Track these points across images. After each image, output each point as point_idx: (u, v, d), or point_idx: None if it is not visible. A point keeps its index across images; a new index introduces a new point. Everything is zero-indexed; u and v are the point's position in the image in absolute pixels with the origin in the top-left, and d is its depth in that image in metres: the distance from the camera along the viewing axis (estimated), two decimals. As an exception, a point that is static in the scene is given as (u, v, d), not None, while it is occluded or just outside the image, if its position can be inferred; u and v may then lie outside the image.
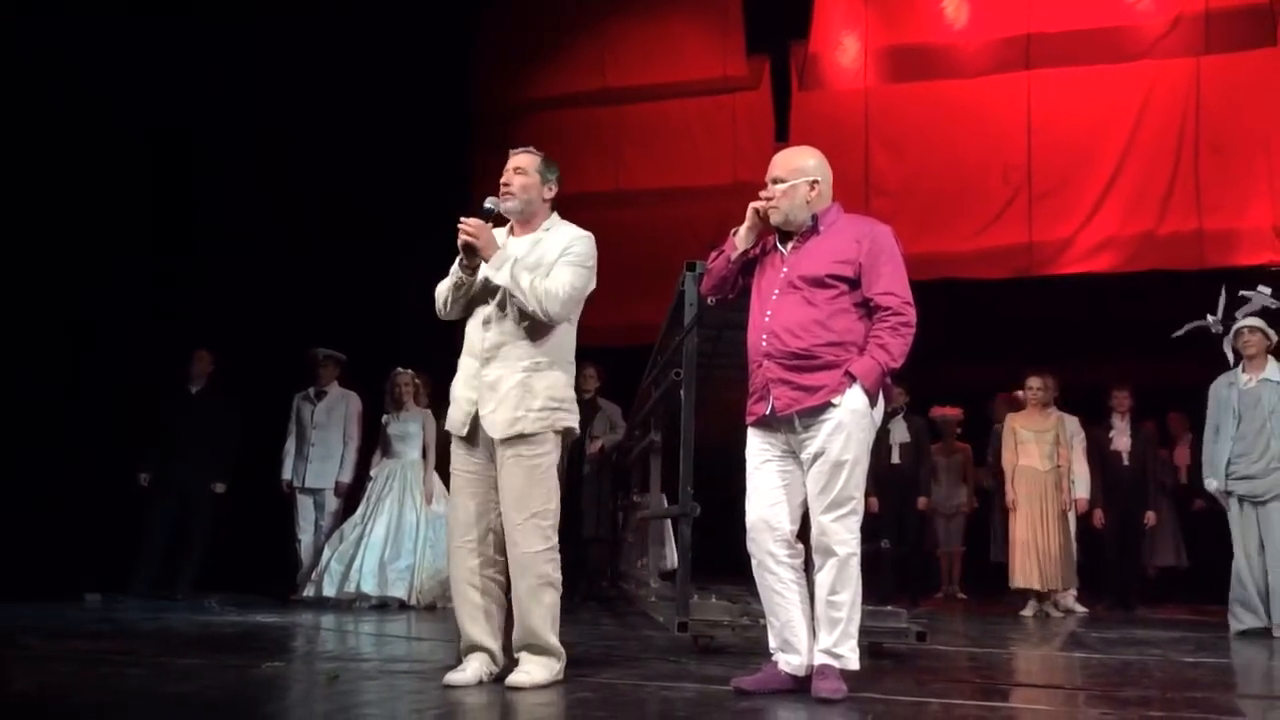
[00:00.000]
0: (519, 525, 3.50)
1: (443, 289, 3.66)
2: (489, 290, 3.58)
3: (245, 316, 7.83)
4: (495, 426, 3.51)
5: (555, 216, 3.74)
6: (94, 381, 7.15)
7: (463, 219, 3.54)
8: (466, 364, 3.63)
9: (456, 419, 3.62)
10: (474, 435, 3.58)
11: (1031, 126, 9.23)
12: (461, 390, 3.62)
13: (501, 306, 3.56)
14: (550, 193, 3.73)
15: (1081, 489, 7.80)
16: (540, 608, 3.48)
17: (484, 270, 3.55)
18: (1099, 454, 7.96)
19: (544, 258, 3.61)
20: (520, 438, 3.51)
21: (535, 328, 3.57)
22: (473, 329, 3.63)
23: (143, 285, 7.56)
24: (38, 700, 3.24)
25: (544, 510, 3.52)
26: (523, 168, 3.68)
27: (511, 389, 3.52)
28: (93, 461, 7.12)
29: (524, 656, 3.51)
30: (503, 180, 3.68)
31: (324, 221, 8.39)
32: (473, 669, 3.50)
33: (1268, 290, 6.41)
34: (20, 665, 3.95)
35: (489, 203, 3.63)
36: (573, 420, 3.64)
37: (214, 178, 8.13)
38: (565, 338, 3.65)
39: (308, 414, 7.67)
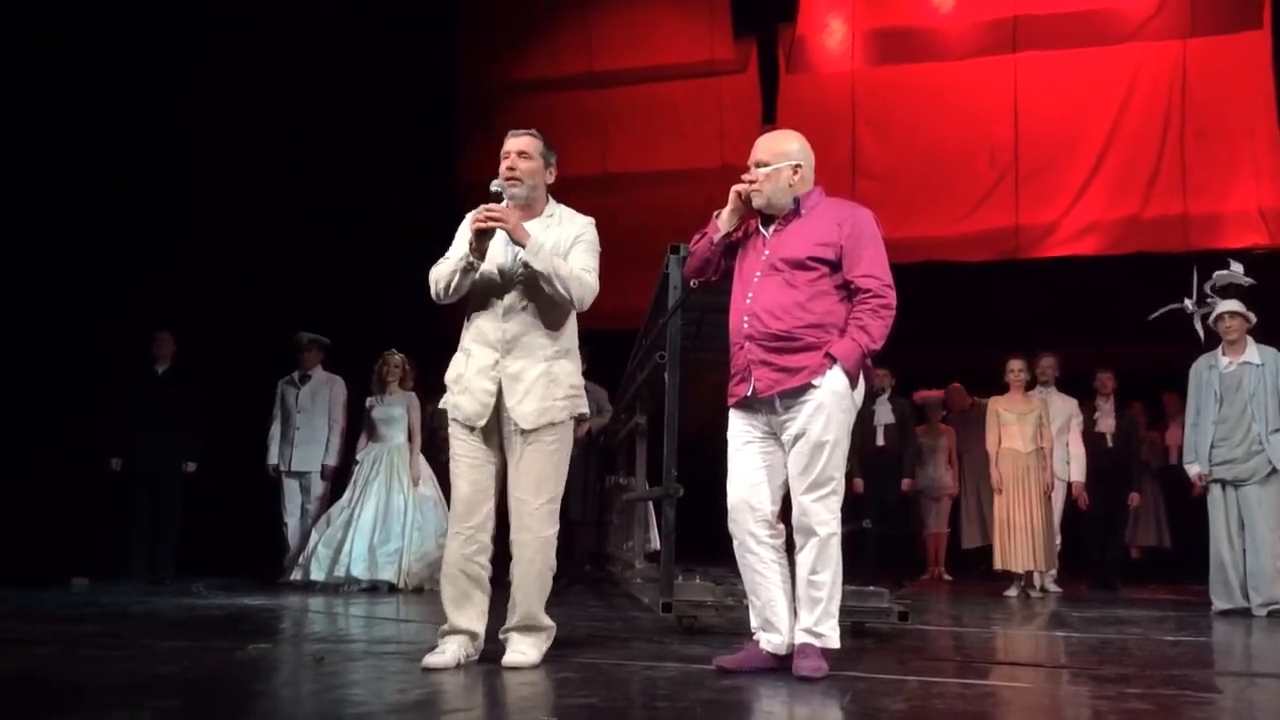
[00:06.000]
0: (535, 510, 3.54)
1: (443, 273, 3.57)
2: (507, 278, 3.51)
3: (230, 301, 7.81)
4: (525, 418, 3.50)
5: (553, 201, 3.72)
6: (78, 366, 7.12)
7: (488, 205, 3.46)
8: (481, 354, 3.55)
9: (472, 410, 3.55)
10: (488, 425, 3.55)
11: (1018, 109, 9.25)
12: (478, 381, 3.55)
13: (524, 296, 3.52)
14: (551, 177, 3.69)
15: (1077, 471, 7.82)
16: (544, 591, 3.58)
17: (523, 255, 3.45)
18: (1083, 435, 8.00)
19: (559, 244, 3.57)
20: (545, 426, 3.54)
21: (555, 317, 3.57)
22: (487, 320, 3.56)
23: (132, 271, 7.54)
24: (22, 682, 3.24)
25: (557, 494, 3.60)
26: (527, 151, 3.61)
27: (536, 380, 3.52)
28: (79, 447, 7.10)
29: (514, 636, 3.55)
30: (507, 164, 3.59)
31: (308, 206, 8.36)
32: (451, 651, 3.50)
33: (1240, 268, 6.43)
34: (4, 648, 3.94)
35: (495, 185, 3.55)
36: (586, 405, 3.70)
37: (199, 162, 8.09)
38: (574, 324, 3.68)
39: (292, 398, 7.67)
